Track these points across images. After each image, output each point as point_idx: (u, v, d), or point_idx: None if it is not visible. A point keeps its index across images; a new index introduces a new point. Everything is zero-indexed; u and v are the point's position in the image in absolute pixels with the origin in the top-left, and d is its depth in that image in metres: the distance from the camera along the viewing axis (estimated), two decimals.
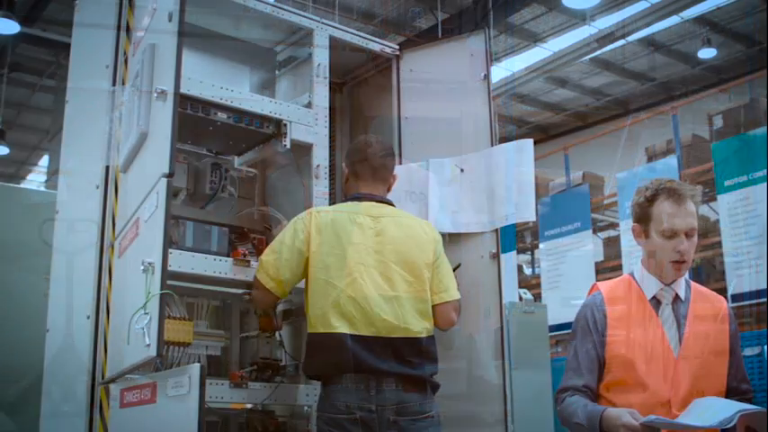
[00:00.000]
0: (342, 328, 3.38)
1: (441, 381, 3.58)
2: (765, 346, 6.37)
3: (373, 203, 3.64)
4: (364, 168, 3.71)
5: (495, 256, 4.05)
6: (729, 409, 2.67)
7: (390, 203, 3.71)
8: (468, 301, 3.88)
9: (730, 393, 2.94)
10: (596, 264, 12.03)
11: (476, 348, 4.04)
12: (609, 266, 12.06)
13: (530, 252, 14.56)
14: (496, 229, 4.09)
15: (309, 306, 3.49)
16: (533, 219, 4.07)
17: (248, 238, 3.83)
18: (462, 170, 4.19)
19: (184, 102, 3.58)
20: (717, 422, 2.63)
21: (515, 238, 13.17)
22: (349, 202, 3.66)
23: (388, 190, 3.77)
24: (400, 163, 4.37)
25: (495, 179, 4.09)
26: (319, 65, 4.14)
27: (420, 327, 3.49)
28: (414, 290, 3.51)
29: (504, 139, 4.22)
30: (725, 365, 2.98)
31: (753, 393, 3.01)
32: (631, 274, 3.13)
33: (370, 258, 3.50)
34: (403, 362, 3.41)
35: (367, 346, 3.37)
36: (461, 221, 4.13)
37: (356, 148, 3.81)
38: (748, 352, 6.34)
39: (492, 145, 4.17)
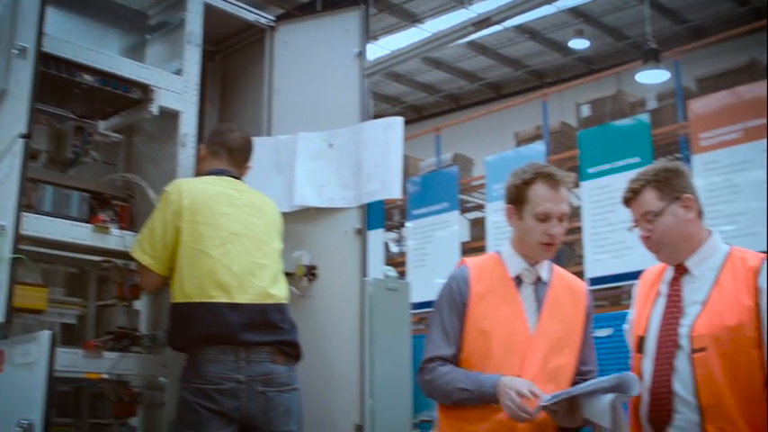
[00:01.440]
0: (219, 297, 3.42)
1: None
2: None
3: (233, 179, 3.73)
4: (223, 150, 3.80)
5: (360, 232, 4.08)
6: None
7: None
8: (330, 276, 3.91)
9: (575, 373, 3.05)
10: (462, 244, 12.19)
11: (337, 323, 4.07)
12: (474, 247, 12.27)
13: (397, 230, 14.68)
14: (362, 206, 4.11)
15: (183, 276, 3.47)
16: (399, 196, 4.11)
17: (110, 204, 3.76)
18: (331, 145, 4.20)
19: (47, 61, 3.46)
20: (593, 384, 2.73)
21: (383, 215, 13.27)
22: (211, 176, 3.69)
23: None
24: (270, 135, 4.36)
25: (363, 155, 4.11)
26: (191, 32, 4.07)
27: (284, 293, 3.62)
28: (277, 259, 3.65)
29: (377, 117, 4.24)
30: (577, 346, 3.09)
31: (594, 375, 3.11)
32: (499, 253, 3.21)
33: (241, 228, 3.57)
34: (275, 329, 3.49)
35: (244, 314, 3.43)
36: (327, 196, 4.15)
37: (219, 131, 3.91)
38: (600, 333, 6.54)
39: (362, 121, 4.19)
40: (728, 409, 2.71)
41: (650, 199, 2.97)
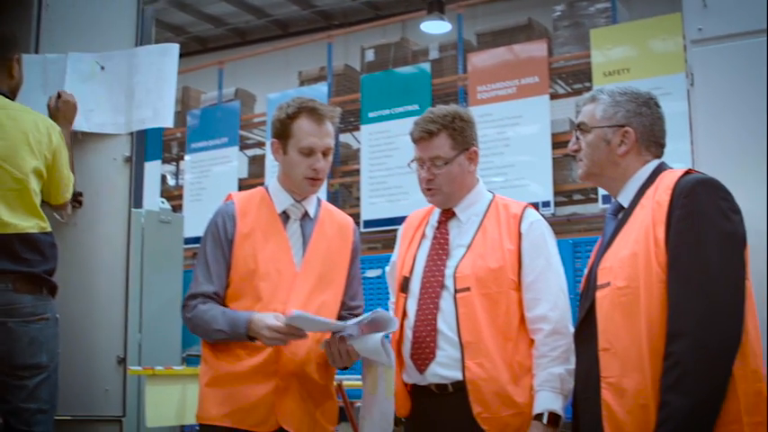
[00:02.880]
0: None
1: (61, 284, 3.46)
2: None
3: None
4: None
5: (129, 160, 3.95)
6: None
7: (6, 96, 3.49)
8: (97, 204, 3.76)
9: (342, 308, 3.10)
10: (240, 180, 12.13)
11: (102, 253, 3.93)
12: (252, 184, 12.16)
13: (175, 163, 14.37)
14: (133, 133, 3.98)
15: None
16: (171, 125, 4.01)
17: None
18: (103, 68, 4.02)
19: None
20: (352, 323, 2.79)
21: (162, 146, 12.94)
22: None
23: (13, 85, 3.55)
24: (37, 52, 4.11)
25: (135, 81, 3.96)
26: None
27: (31, 223, 3.36)
28: (23, 187, 3.36)
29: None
30: (343, 282, 3.14)
31: (362, 311, 3.19)
32: (266, 188, 3.18)
33: None
34: (15, 259, 3.27)
35: None
36: (96, 121, 3.97)
37: None
38: (370, 274, 6.73)
39: (137, 45, 4.04)
40: (487, 345, 2.84)
41: (443, 145, 2.99)
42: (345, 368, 3.00)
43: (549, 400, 2.80)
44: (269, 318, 2.80)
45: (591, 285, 2.50)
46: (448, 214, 3.09)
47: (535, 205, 3.11)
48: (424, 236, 3.13)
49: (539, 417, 2.79)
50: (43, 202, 3.49)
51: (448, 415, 2.87)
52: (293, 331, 2.77)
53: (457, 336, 2.87)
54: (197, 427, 3.13)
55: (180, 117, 12.49)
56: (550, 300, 2.88)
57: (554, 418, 2.79)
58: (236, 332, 2.87)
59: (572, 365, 2.77)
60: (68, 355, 3.59)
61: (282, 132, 3.06)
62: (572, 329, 2.83)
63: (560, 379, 2.81)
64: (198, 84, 13.58)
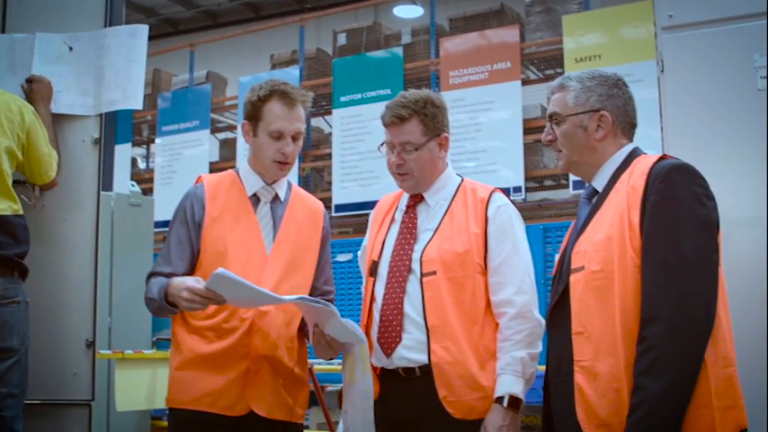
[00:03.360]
0: None
1: (29, 266, 3.44)
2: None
3: None
4: None
5: (98, 142, 3.91)
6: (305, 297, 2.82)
7: None
8: (64, 187, 3.72)
9: (314, 292, 3.09)
10: (211, 164, 12.05)
11: (71, 236, 3.89)
12: (223, 167, 11.99)
13: (146, 146, 14.26)
14: (102, 115, 3.94)
15: None
16: (140, 107, 3.97)
17: None
18: (71, 48, 3.97)
19: None
20: (282, 298, 2.76)
21: (132, 129, 12.84)
22: None
23: None
24: (4, 32, 4.05)
25: (105, 62, 3.92)
26: None
27: (4, 205, 3.34)
28: None
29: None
30: (313, 267, 3.13)
31: (334, 296, 3.19)
32: (236, 170, 3.17)
33: None
34: None
35: None
36: (64, 102, 3.92)
37: None
38: (341, 258, 6.70)
39: (106, 26, 3.99)
40: (453, 329, 2.84)
41: (415, 131, 2.97)
42: (332, 359, 3.01)
43: (511, 383, 2.81)
44: (189, 280, 2.78)
45: (564, 269, 2.50)
46: (416, 199, 3.08)
47: (506, 191, 3.11)
48: (393, 220, 3.13)
49: (499, 400, 2.80)
50: (15, 183, 3.46)
51: (415, 398, 2.88)
52: (211, 296, 2.71)
53: (423, 319, 2.87)
54: (167, 412, 3.11)
55: (151, 100, 12.39)
56: (515, 284, 2.88)
57: (514, 401, 2.80)
58: (161, 296, 2.85)
59: (535, 350, 2.81)
60: (37, 338, 3.57)
61: (253, 114, 3.04)
62: (537, 314, 2.86)
63: (522, 363, 2.82)
64: (169, 66, 13.46)
